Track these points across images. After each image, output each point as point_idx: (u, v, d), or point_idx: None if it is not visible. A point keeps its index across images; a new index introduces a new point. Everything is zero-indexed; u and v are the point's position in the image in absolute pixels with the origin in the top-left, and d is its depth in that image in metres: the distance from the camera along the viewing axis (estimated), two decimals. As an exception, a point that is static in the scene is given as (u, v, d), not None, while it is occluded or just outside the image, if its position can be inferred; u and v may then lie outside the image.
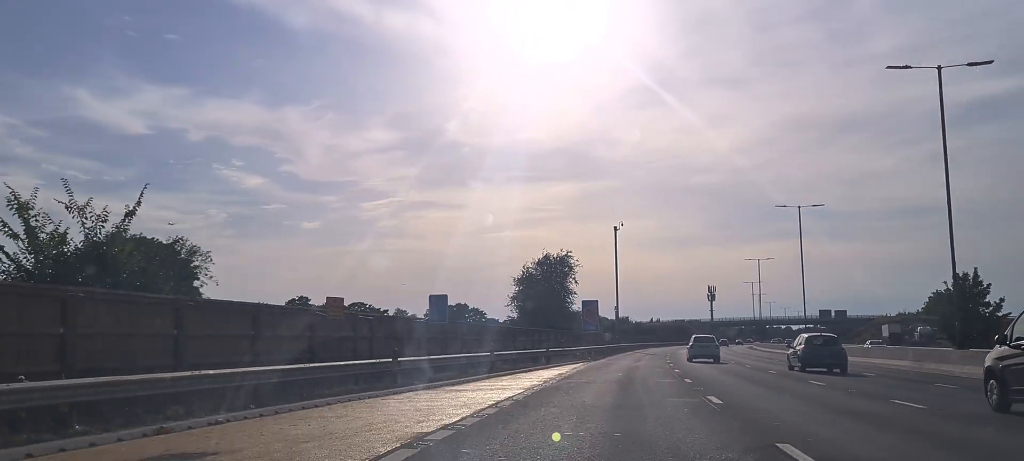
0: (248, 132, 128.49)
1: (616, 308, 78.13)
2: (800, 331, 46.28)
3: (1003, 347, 13.42)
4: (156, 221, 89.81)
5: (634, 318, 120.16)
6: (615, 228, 68.58)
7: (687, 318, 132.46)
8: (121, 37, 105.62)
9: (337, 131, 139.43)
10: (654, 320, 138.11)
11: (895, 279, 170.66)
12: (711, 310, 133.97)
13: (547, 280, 71.05)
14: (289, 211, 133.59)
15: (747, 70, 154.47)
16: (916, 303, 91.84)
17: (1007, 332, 13.55)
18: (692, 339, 46.16)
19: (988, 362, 13.97)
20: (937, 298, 62.33)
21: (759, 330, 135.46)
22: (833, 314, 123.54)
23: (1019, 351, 12.79)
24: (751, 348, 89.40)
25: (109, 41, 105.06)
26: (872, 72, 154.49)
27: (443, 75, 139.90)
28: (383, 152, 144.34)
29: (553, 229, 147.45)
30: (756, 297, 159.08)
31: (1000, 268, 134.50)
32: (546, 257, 71.80)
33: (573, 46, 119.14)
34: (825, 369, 28.12)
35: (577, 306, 72.34)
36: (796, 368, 29.86)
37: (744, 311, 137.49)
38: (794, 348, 32.14)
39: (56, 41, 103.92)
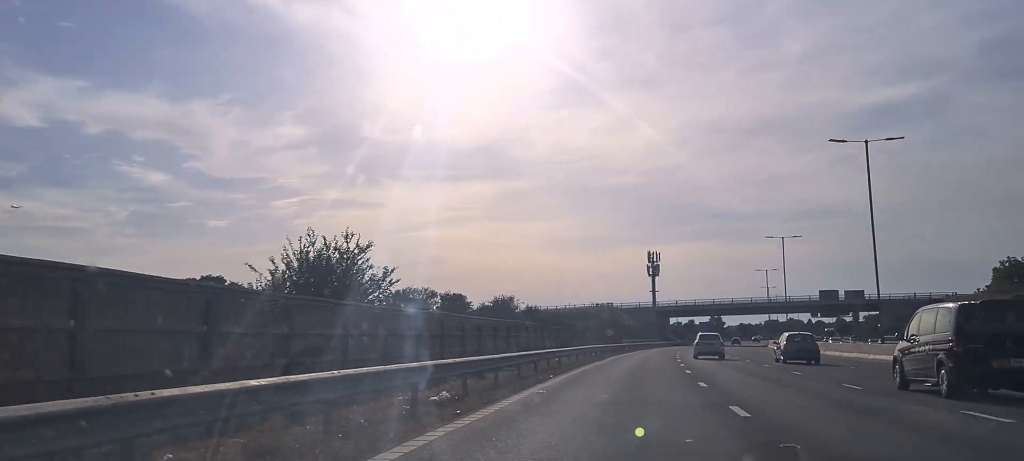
0: (150, 126, 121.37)
1: None
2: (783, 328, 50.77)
3: (903, 341, 17.62)
4: (53, 219, 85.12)
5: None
6: None
7: (619, 302, 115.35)
8: (10, 24, 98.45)
9: (246, 126, 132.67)
10: (563, 307, 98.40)
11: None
12: (653, 288, 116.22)
13: None
14: (195, 209, 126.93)
15: (662, 72, 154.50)
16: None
17: (905, 329, 17.70)
18: (698, 337, 50.34)
19: (895, 352, 18.17)
20: (1010, 269, 57.40)
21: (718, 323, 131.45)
22: (842, 295, 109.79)
23: (912, 345, 16.97)
24: (765, 346, 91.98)
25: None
26: (781, 76, 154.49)
27: (357, 70, 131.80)
28: (295, 149, 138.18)
29: (472, 228, 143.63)
30: (768, 300, 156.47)
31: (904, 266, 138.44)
32: None
33: (491, 45, 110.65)
34: (804, 361, 33.72)
35: None
36: (780, 360, 35.67)
37: (692, 295, 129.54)
38: (778, 344, 38.89)
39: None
